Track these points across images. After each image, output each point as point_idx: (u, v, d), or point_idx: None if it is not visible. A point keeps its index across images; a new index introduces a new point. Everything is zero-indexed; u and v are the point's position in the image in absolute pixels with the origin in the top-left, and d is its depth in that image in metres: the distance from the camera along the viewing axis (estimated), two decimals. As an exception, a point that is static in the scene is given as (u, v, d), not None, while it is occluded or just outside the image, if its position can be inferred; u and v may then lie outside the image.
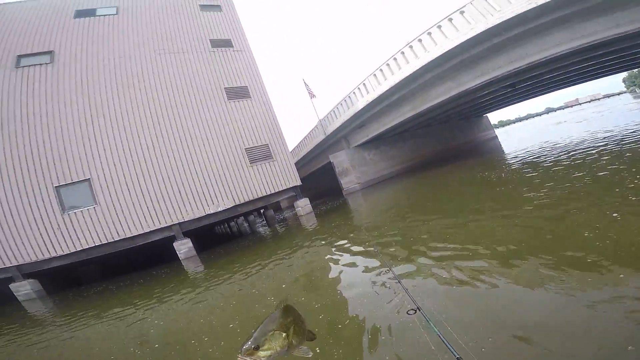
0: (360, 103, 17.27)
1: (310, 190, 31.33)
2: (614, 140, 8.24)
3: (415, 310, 1.94)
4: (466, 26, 11.32)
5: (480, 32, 10.75)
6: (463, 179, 10.42)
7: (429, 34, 12.77)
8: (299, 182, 15.76)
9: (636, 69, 64.31)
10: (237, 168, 14.64)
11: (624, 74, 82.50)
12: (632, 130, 9.08)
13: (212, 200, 13.68)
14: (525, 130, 29.64)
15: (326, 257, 5.77)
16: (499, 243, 3.56)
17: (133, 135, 13.01)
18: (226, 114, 15.21)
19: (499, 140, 25.95)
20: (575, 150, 8.52)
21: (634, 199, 3.63)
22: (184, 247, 12.36)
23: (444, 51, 12.00)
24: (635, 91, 76.41)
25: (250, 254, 8.73)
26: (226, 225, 27.69)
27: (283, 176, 15.67)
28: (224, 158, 14.49)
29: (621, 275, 2.19)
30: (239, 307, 4.23)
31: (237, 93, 15.82)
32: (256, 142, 15.40)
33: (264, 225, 18.92)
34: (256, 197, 14.72)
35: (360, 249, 5.43)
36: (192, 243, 12.63)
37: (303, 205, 15.52)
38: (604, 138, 9.24)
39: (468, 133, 30.39)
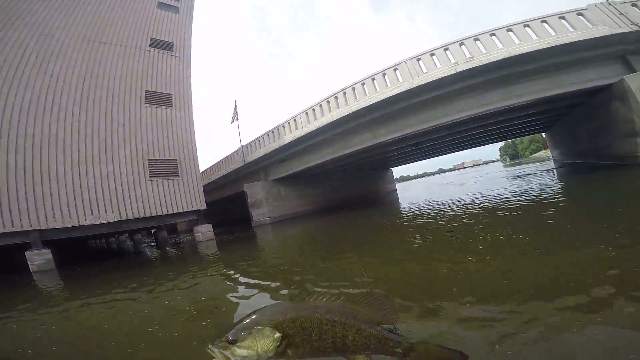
0: (288, 137, 17.38)
1: (216, 217, 29.19)
2: (477, 203, 9.84)
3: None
4: (395, 83, 12.64)
5: (404, 91, 12.13)
6: (365, 223, 10.93)
7: (363, 84, 13.83)
8: (203, 207, 14.49)
9: (510, 140, 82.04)
10: (133, 179, 12.74)
11: (502, 143, 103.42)
12: (488, 197, 10.81)
13: (91, 210, 11.42)
14: (419, 186, 33.93)
15: (222, 288, 5.16)
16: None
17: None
18: (136, 117, 13.46)
19: (397, 193, 28.92)
20: (451, 209, 9.91)
21: (481, 247, 4.52)
22: (39, 259, 9.91)
23: (371, 103, 13.07)
24: (506, 160, 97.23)
25: (128, 277, 7.33)
26: (103, 240, 23.37)
27: (187, 197, 14.23)
28: (118, 165, 12.50)
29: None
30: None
31: (159, 99, 14.31)
32: (163, 156, 13.83)
33: (152, 247, 16.46)
34: (149, 215, 12.89)
35: (262, 281, 4.96)
36: (53, 255, 10.16)
37: (204, 231, 14.15)
38: (470, 202, 10.89)
39: (375, 183, 33.24)
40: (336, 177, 26.10)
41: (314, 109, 15.99)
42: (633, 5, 9.88)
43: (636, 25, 9.43)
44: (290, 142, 17.22)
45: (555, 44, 9.95)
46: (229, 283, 5.29)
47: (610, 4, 10.04)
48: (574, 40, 9.89)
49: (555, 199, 7.63)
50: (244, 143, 21.33)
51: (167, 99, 14.63)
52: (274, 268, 6.01)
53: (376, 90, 13.22)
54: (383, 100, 12.74)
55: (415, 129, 13.60)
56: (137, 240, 18.55)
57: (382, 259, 5.22)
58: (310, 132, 15.95)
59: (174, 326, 3.40)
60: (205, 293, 4.83)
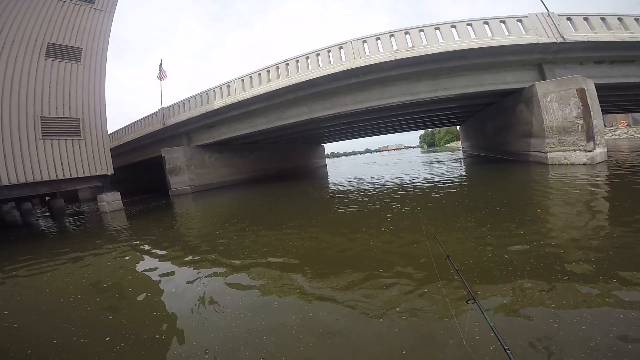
0: (218, 103, 15.94)
1: (127, 185, 26.12)
2: (394, 183, 10.74)
3: None
4: (338, 62, 12.39)
5: (345, 70, 12.01)
6: (294, 195, 10.81)
7: (307, 57, 13.26)
8: (110, 172, 12.69)
9: (430, 129, 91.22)
10: (19, 139, 10.45)
11: (422, 132, 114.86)
12: (405, 178, 11.82)
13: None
14: (347, 164, 35.30)
15: (134, 266, 4.50)
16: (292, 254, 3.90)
17: None
18: (30, 71, 11.10)
19: (327, 169, 29.68)
20: (372, 186, 10.56)
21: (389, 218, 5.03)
22: None
23: (312, 77, 12.71)
24: (424, 147, 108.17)
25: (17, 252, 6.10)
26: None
27: (89, 160, 12.28)
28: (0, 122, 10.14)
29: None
30: None
31: (64, 53, 12.05)
32: (62, 114, 11.58)
33: (47, 217, 13.93)
34: (39, 179, 10.75)
35: (182, 257, 4.55)
36: None
37: (111, 200, 12.49)
38: (388, 180, 11.89)
39: (307, 157, 33.51)
40: (268, 149, 25.39)
41: (251, 77, 14.86)
42: (568, 19, 10.68)
43: (562, 37, 10.28)
44: (220, 108, 15.88)
45: (489, 44, 10.61)
46: (138, 263, 4.59)
47: (548, 15, 10.63)
48: (504, 44, 10.60)
49: (454, 184, 8.76)
50: (165, 104, 18.95)
51: (76, 53, 12.34)
52: (189, 243, 5.47)
53: (319, 66, 12.87)
54: (324, 76, 12.48)
55: (350, 108, 13.75)
56: (26, 210, 15.36)
57: (299, 231, 5.38)
58: (244, 100, 14.90)
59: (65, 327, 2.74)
60: (107, 277, 4.07)
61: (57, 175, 11.34)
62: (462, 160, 18.00)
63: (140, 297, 3.29)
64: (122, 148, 22.48)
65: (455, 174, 11.54)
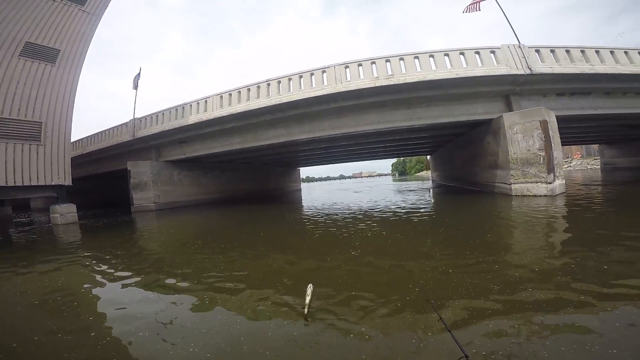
0: (193, 118, 15.54)
1: (86, 196, 24.59)
2: (364, 210, 10.64)
3: None
4: (320, 85, 12.53)
5: (327, 94, 12.15)
6: (265, 218, 10.55)
7: (289, 79, 13.25)
8: (68, 182, 11.93)
9: (402, 157, 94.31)
10: None
11: (394, 160, 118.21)
12: (378, 205, 11.93)
13: None
14: (321, 189, 35.40)
15: (85, 283, 4.04)
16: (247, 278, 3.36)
17: None
18: (1, 69, 10.70)
19: (301, 193, 29.56)
20: (344, 212, 10.49)
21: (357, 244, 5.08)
22: None
23: (293, 99, 12.72)
24: (396, 175, 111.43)
25: None
26: None
27: (47, 169, 11.53)
28: None
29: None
30: None
31: (40, 53, 11.62)
32: (23, 116, 10.99)
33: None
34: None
35: (135, 277, 4.13)
36: None
37: (65, 212, 11.64)
38: (361, 207, 11.80)
39: (281, 180, 33.26)
40: (241, 169, 24.98)
41: (230, 94, 14.66)
42: (536, 51, 11.10)
43: (529, 69, 10.68)
44: (195, 124, 15.49)
45: (463, 75, 10.95)
46: (85, 280, 4.18)
47: (519, 47, 11.03)
48: (477, 75, 10.94)
49: (420, 212, 8.88)
50: (139, 116, 18.36)
51: (52, 55, 11.91)
52: (144, 263, 5.06)
53: (301, 88, 12.94)
54: (305, 99, 12.55)
55: (327, 133, 13.89)
56: None
57: (262, 253, 5.14)
58: (221, 117, 14.61)
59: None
60: (51, 293, 3.66)
61: (6, 182, 10.46)
62: (431, 190, 18.60)
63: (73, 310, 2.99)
64: (85, 157, 21.27)
65: (423, 203, 11.79)
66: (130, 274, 4.39)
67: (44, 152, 11.50)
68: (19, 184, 10.74)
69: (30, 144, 11.16)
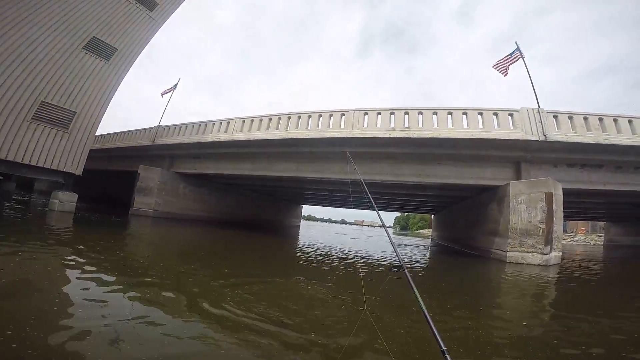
0: (212, 137, 16.02)
1: (90, 190, 24.86)
2: (361, 257, 10.33)
3: None
4: (337, 127, 12.79)
5: (341, 137, 12.38)
6: (260, 245, 10.41)
7: (309, 116, 13.65)
8: (78, 172, 12.20)
9: (406, 213, 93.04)
10: (9, 113, 10.32)
11: (398, 214, 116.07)
12: (373, 256, 11.59)
13: None
14: (320, 229, 34.89)
15: (48, 276, 3.81)
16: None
17: None
18: (63, 57, 11.52)
19: (300, 229, 29.19)
20: (340, 258, 10.17)
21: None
22: None
23: (309, 137, 12.96)
24: (397, 229, 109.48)
25: None
26: None
27: (63, 155, 11.92)
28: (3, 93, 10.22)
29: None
30: None
31: (100, 49, 12.51)
32: (62, 104, 11.62)
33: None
34: (3, 157, 10.25)
35: (108, 279, 3.89)
36: None
37: (65, 199, 11.79)
38: (357, 255, 11.42)
39: (282, 213, 33.18)
40: (246, 195, 25.17)
41: (252, 120, 15.16)
42: (554, 116, 10.77)
43: (544, 135, 10.35)
44: (212, 142, 15.96)
45: (477, 136, 10.79)
46: (61, 271, 4.10)
47: (538, 112, 10.74)
48: (491, 137, 10.75)
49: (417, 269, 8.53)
50: (163, 124, 19.20)
51: (109, 53, 12.82)
52: (127, 265, 4.99)
53: (318, 127, 13.24)
54: (320, 138, 12.80)
55: (336, 176, 13.92)
56: None
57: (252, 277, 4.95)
58: (238, 141, 15.00)
59: None
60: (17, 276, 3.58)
61: (22, 159, 10.79)
62: (429, 248, 18.25)
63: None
64: (101, 152, 21.93)
65: (420, 260, 11.48)
66: (95, 269, 4.24)
67: (67, 139, 11.95)
68: (32, 163, 11.06)
69: (57, 130, 11.65)
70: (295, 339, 2.53)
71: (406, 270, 1.89)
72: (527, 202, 10.31)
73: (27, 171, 11.18)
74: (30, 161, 10.99)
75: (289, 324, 2.83)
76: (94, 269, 4.18)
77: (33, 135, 10.98)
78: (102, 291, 3.27)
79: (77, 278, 3.70)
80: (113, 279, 3.83)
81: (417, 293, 1.65)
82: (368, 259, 9.19)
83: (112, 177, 25.81)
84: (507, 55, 13.39)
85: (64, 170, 11.92)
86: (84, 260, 4.65)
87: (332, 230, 34.97)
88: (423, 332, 2.85)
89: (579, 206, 17.05)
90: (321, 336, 2.61)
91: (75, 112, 12.03)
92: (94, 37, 12.08)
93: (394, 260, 8.25)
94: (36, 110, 10.91)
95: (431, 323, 1.47)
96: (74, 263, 4.49)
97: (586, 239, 36.06)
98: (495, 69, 13.82)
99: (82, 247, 5.84)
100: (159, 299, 3.30)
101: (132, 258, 5.63)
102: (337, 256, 9.25)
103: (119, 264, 4.87)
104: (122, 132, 21.69)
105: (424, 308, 1.58)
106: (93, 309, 2.70)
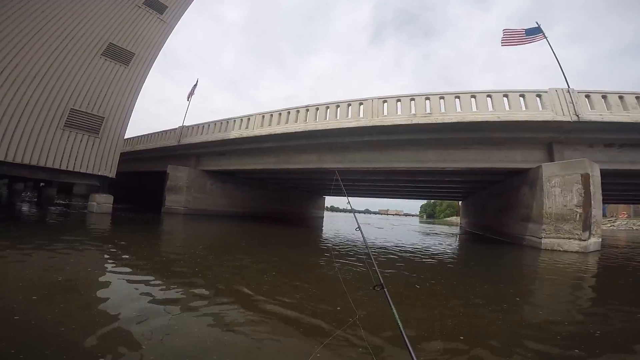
0: (234, 133, 16.36)
1: (124, 191, 26.13)
2: (388, 247, 10.22)
3: None
4: (355, 117, 12.65)
5: (361, 126, 12.24)
6: (286, 236, 10.55)
7: (327, 107, 13.58)
8: (112, 175, 12.81)
9: (432, 200, 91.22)
10: (43, 123, 10.96)
11: (424, 201, 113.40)
12: (398, 245, 11.36)
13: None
14: (344, 220, 34.82)
15: (91, 271, 4.11)
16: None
17: None
18: (84, 65, 12.12)
19: (323, 220, 29.32)
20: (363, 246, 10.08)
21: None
22: None
23: (328, 127, 12.94)
24: (423, 217, 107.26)
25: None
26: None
27: (97, 159, 12.53)
28: (35, 103, 10.77)
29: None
30: None
31: (118, 55, 13.05)
32: (91, 110, 12.22)
33: (32, 203, 13.77)
34: (43, 165, 10.93)
35: (147, 275, 4.10)
36: None
37: (102, 202, 12.44)
38: (383, 244, 11.32)
39: (305, 205, 33.49)
40: (270, 189, 25.59)
41: (271, 115, 15.34)
42: (586, 96, 10.23)
43: (577, 115, 9.83)
44: (235, 139, 16.30)
45: (505, 119, 10.42)
46: (102, 267, 4.39)
47: (568, 92, 10.25)
48: (520, 119, 10.33)
49: (440, 259, 8.22)
50: (186, 124, 19.76)
51: (127, 57, 13.36)
52: (164, 260, 5.25)
53: (337, 118, 13.22)
54: (340, 129, 12.77)
55: (358, 165, 13.88)
56: (16, 189, 15.35)
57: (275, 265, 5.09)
58: (260, 136, 15.24)
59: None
60: (65, 273, 3.86)
61: (60, 165, 11.48)
62: (458, 237, 17.76)
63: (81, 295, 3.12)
64: (131, 155, 22.95)
65: (449, 250, 11.15)
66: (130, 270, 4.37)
67: (99, 144, 12.59)
68: (70, 169, 11.75)
69: (89, 136, 12.30)
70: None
71: (386, 290, 1.85)
72: (562, 185, 9.71)
73: (65, 177, 11.91)
74: (67, 167, 11.68)
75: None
76: (144, 263, 4.40)
77: (67, 142, 11.63)
78: (160, 288, 3.45)
79: (132, 274, 3.93)
80: (165, 272, 4.08)
81: (394, 311, 1.64)
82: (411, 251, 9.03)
83: (143, 177, 26.98)
84: (520, 29, 12.74)
85: (99, 173, 12.57)
86: (132, 257, 4.95)
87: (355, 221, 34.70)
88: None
89: (619, 188, 15.92)
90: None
91: (104, 117, 12.61)
92: (110, 43, 12.60)
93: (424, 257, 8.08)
94: (67, 118, 11.54)
95: (408, 343, 1.39)
96: (113, 257, 4.79)
97: (628, 224, 33.58)
98: (505, 44, 13.09)
99: (124, 244, 6.19)
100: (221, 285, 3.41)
101: (173, 252, 5.92)
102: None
103: (168, 258, 5.18)
104: (149, 134, 22.56)
105: (401, 325, 1.54)
106: (157, 300, 2.87)
